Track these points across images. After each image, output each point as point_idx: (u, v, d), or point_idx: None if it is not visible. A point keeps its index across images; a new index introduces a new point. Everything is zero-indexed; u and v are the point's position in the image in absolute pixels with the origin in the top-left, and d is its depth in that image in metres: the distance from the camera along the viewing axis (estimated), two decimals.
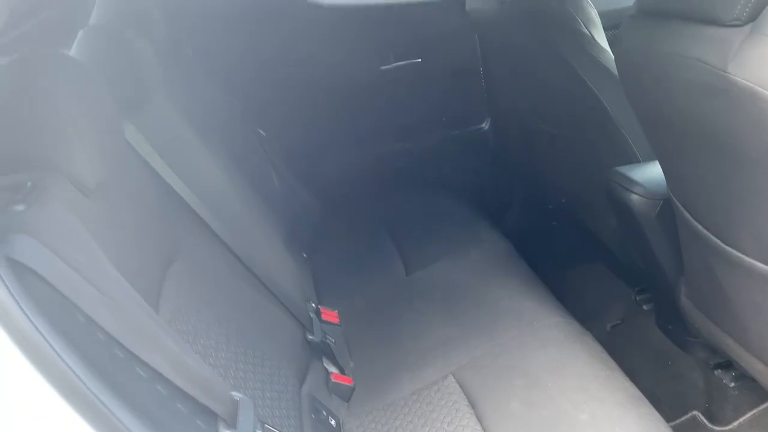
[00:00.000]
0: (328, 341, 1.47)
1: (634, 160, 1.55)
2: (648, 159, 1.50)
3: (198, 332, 1.05)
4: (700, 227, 1.18)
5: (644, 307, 1.85)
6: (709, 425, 1.59)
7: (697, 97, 0.96)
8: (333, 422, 1.28)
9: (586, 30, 1.58)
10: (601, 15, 1.69)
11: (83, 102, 0.90)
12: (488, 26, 1.92)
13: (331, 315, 1.66)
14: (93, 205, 0.87)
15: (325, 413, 1.28)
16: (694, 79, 0.94)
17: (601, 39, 1.60)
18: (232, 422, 0.86)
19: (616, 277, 1.99)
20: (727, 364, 1.61)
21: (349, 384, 1.41)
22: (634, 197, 1.42)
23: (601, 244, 1.84)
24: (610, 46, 1.59)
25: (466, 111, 2.37)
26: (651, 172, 1.42)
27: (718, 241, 1.13)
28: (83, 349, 0.64)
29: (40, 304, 0.62)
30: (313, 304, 1.65)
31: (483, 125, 2.37)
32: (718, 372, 1.62)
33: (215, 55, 2.07)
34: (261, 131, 2.13)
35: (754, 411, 1.57)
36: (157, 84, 1.41)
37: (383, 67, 2.22)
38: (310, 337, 1.44)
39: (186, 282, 1.10)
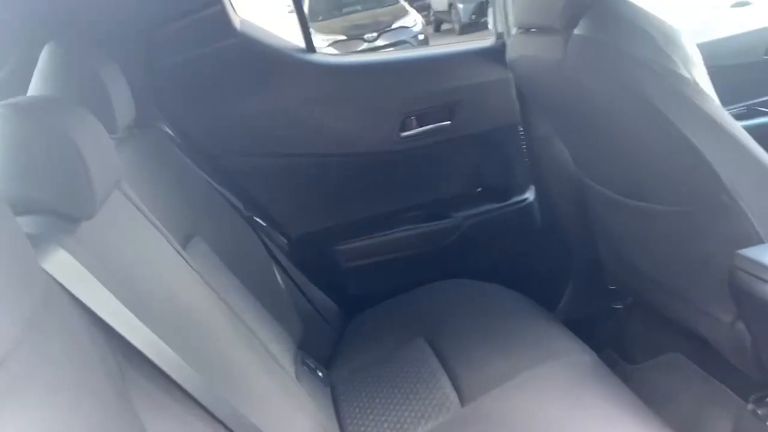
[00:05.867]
0: None
1: (754, 239, 1.16)
2: None
3: None
4: None
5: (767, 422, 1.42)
6: None
7: None
8: None
9: (686, 73, 1.20)
10: None
11: None
12: (538, 75, 1.55)
13: None
14: None
15: None
16: None
17: (705, 83, 1.22)
18: None
19: (718, 381, 1.57)
20: None
21: None
22: None
23: (689, 335, 1.44)
24: None
25: (505, 180, 1.98)
26: None
27: None
28: None
29: None
30: None
31: (527, 196, 1.98)
32: None
33: (196, 132, 1.71)
34: (258, 220, 1.74)
35: None
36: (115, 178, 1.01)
37: (404, 134, 1.84)
38: None
39: None
